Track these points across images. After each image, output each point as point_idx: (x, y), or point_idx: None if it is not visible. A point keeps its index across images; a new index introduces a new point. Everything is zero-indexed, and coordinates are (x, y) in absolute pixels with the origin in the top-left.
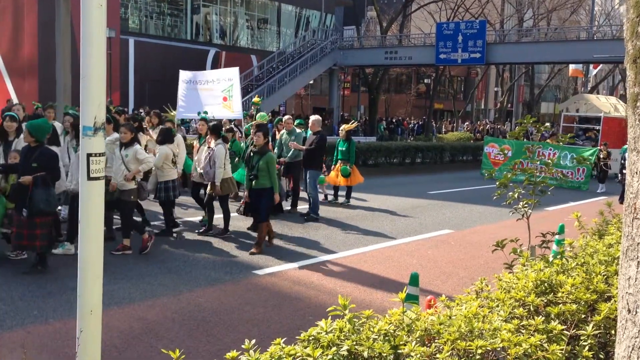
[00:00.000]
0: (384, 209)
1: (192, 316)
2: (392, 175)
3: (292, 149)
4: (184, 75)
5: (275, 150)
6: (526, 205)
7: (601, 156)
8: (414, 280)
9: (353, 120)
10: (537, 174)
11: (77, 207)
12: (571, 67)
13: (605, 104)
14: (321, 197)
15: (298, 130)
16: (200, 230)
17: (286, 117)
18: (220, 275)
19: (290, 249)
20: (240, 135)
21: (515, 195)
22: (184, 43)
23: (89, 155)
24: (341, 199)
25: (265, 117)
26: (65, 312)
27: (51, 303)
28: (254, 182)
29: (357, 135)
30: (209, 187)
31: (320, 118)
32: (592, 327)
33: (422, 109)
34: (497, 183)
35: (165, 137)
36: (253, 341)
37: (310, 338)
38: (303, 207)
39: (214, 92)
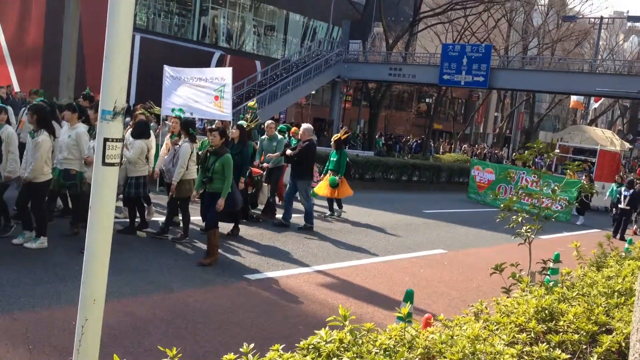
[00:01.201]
0: (378, 224)
1: (181, 316)
2: (388, 191)
3: (272, 154)
4: (170, 70)
5: (257, 156)
6: (529, 230)
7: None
8: (409, 297)
9: (344, 129)
10: (516, 200)
11: (33, 198)
12: (572, 98)
13: (602, 137)
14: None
15: (279, 137)
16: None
17: (268, 121)
18: (212, 277)
19: (283, 257)
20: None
21: (519, 220)
22: (189, 43)
23: (105, 139)
24: (327, 211)
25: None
26: (54, 301)
27: (40, 291)
28: (207, 185)
29: (355, 149)
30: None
31: (311, 127)
32: (597, 359)
33: (422, 128)
34: (502, 205)
35: (143, 131)
36: (252, 345)
37: (310, 347)
38: (278, 215)
39: (205, 90)
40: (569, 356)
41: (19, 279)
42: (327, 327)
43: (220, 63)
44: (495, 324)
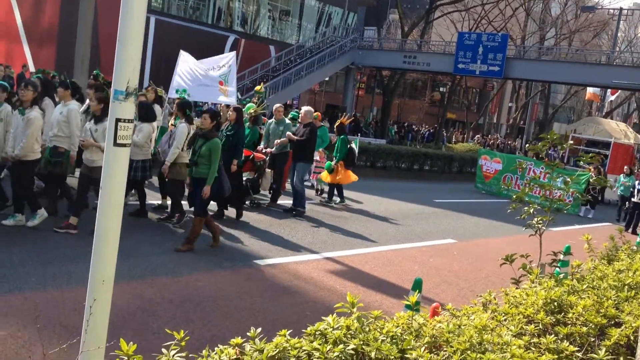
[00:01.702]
0: (389, 212)
1: (189, 299)
2: (400, 180)
3: (279, 140)
4: (185, 55)
5: (263, 141)
6: (540, 221)
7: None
8: (417, 285)
9: (346, 114)
10: (528, 191)
11: (22, 177)
12: (588, 90)
13: (616, 129)
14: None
15: (287, 121)
16: (172, 220)
17: (276, 105)
18: (221, 261)
19: (292, 243)
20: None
21: (531, 211)
22: (204, 26)
23: (117, 120)
24: (326, 197)
25: (252, 107)
26: (64, 281)
27: (50, 271)
28: (194, 169)
29: (367, 137)
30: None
31: (312, 109)
32: (605, 352)
33: (435, 117)
34: (514, 197)
35: (148, 114)
36: (259, 329)
37: (317, 333)
38: (286, 202)
39: (211, 76)
40: (576, 348)
41: (30, 259)
42: (335, 313)
43: (235, 47)
44: (503, 314)
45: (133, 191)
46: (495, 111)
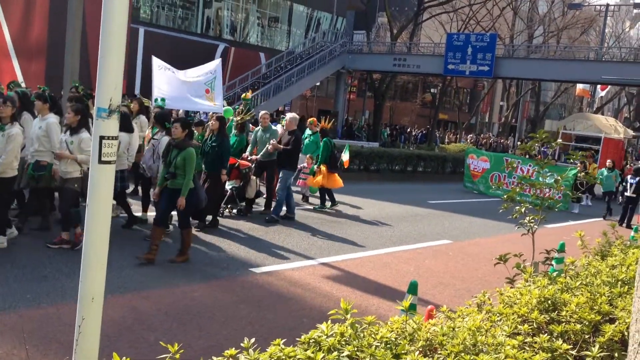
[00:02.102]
0: (383, 215)
1: (186, 310)
2: (393, 182)
3: (266, 147)
4: (159, 62)
5: (249, 148)
6: (532, 220)
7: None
8: (413, 288)
9: (327, 118)
10: (519, 191)
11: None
12: (578, 86)
13: (606, 124)
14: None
15: (274, 128)
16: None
17: (262, 112)
18: (217, 271)
19: (288, 250)
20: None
21: (522, 210)
22: (193, 36)
23: (101, 137)
24: (316, 202)
25: (231, 112)
26: (59, 297)
27: (45, 287)
28: (169, 181)
29: (360, 140)
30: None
31: (297, 116)
32: (598, 349)
33: (427, 118)
34: (505, 196)
35: (125, 124)
36: (252, 340)
37: (311, 341)
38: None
39: (197, 84)
40: (570, 346)
41: (24, 276)
42: (329, 320)
43: (225, 55)
44: (498, 314)
45: (115, 203)
46: (487, 110)
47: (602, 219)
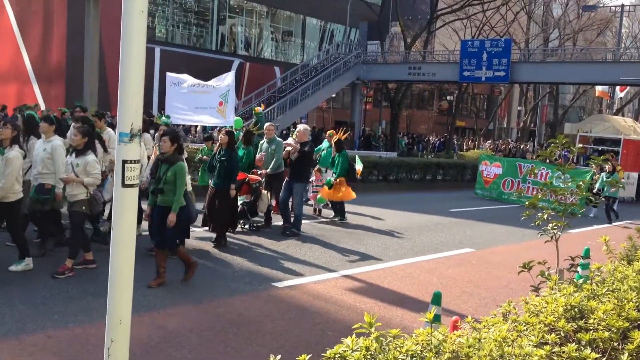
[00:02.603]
0: (404, 225)
1: (211, 326)
2: (413, 191)
3: (275, 160)
4: (172, 78)
5: (257, 155)
6: (555, 227)
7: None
8: (437, 299)
9: (342, 129)
10: (541, 197)
11: (8, 220)
12: (597, 88)
13: (624, 126)
14: (310, 209)
15: (279, 139)
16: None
17: (267, 124)
18: (240, 286)
19: (309, 263)
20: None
21: (545, 217)
22: (208, 53)
23: (124, 161)
24: (334, 215)
25: (241, 123)
26: (86, 317)
27: (72, 308)
28: (159, 197)
29: (378, 150)
30: None
31: (309, 127)
32: (627, 356)
33: (444, 125)
34: (527, 203)
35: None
36: (279, 357)
37: (337, 356)
38: (276, 223)
39: (211, 96)
40: (599, 355)
41: (51, 296)
42: (354, 334)
43: (240, 70)
44: (524, 324)
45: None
46: (505, 116)
47: (630, 221)
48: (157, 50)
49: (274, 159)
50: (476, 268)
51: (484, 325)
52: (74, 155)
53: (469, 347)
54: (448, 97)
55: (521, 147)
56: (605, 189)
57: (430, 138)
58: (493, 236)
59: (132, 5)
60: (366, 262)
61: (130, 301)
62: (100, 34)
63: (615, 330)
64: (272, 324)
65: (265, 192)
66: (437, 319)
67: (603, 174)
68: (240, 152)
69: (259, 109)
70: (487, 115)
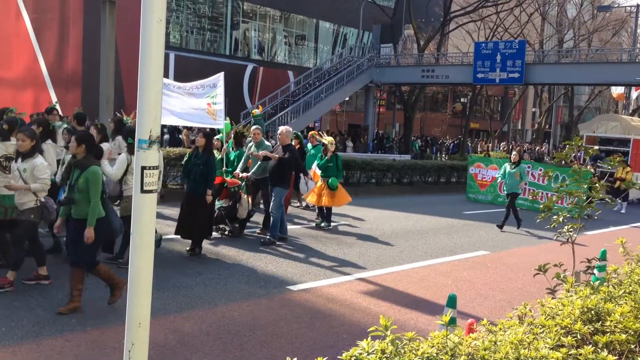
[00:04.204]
0: (418, 228)
1: (226, 330)
2: (427, 194)
3: (259, 163)
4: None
5: (240, 165)
6: (571, 229)
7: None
8: (452, 301)
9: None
10: (554, 199)
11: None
12: (614, 90)
13: (633, 125)
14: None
15: (266, 143)
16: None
17: (253, 127)
18: (255, 290)
19: (323, 267)
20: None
21: (560, 219)
22: (222, 58)
23: (143, 168)
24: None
25: (229, 127)
26: (103, 320)
27: (89, 312)
28: (72, 208)
29: (392, 153)
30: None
31: (291, 129)
32: None
33: (458, 128)
34: (541, 206)
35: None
36: (295, 359)
37: (353, 358)
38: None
39: (198, 97)
40: (615, 357)
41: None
42: (369, 337)
43: (254, 75)
44: (540, 327)
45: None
46: (519, 117)
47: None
48: (172, 55)
49: (259, 162)
50: (491, 270)
51: (500, 328)
52: (19, 160)
53: (485, 350)
54: (462, 99)
55: (537, 149)
56: (506, 184)
57: (444, 140)
58: (508, 238)
59: (151, 14)
60: (380, 264)
61: (149, 305)
62: (115, 39)
63: (632, 333)
64: (287, 327)
65: (246, 196)
66: (452, 321)
67: (506, 164)
68: (232, 155)
69: (257, 111)
70: (502, 117)
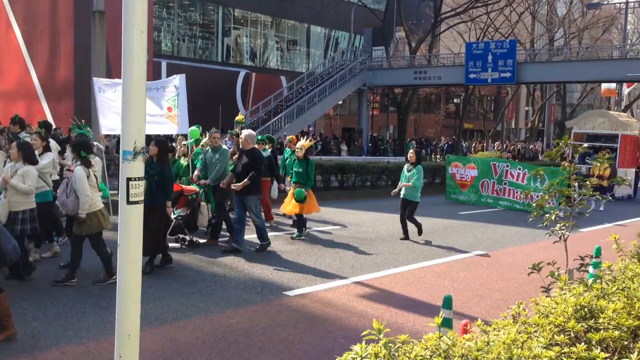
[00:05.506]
0: (413, 229)
1: (223, 337)
2: (422, 196)
3: (217, 169)
4: (100, 83)
5: (197, 172)
6: (563, 227)
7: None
8: (447, 303)
9: (309, 138)
10: (548, 198)
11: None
12: (603, 87)
13: (620, 121)
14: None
15: (224, 147)
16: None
17: (212, 130)
18: (251, 296)
19: (320, 271)
20: (180, 154)
21: (552, 217)
22: (215, 65)
23: (128, 179)
24: (295, 231)
25: (197, 133)
26: (99, 332)
27: (85, 323)
28: None
29: (386, 155)
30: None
31: (254, 133)
32: (637, 355)
33: (452, 128)
34: (534, 205)
35: (33, 156)
36: None
37: None
38: (250, 236)
39: (155, 101)
40: (608, 355)
41: (64, 313)
42: (363, 341)
43: (246, 82)
44: (533, 325)
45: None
46: (512, 116)
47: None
48: (164, 64)
49: (216, 168)
50: (487, 270)
51: (494, 328)
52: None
53: (478, 351)
54: (455, 100)
55: (530, 147)
56: (403, 189)
57: (438, 141)
58: (504, 238)
59: (132, 25)
60: (377, 267)
61: (139, 316)
62: (107, 49)
63: (625, 329)
64: (285, 333)
65: (205, 204)
66: (448, 322)
67: (405, 165)
68: (198, 162)
69: (241, 117)
70: (495, 116)
